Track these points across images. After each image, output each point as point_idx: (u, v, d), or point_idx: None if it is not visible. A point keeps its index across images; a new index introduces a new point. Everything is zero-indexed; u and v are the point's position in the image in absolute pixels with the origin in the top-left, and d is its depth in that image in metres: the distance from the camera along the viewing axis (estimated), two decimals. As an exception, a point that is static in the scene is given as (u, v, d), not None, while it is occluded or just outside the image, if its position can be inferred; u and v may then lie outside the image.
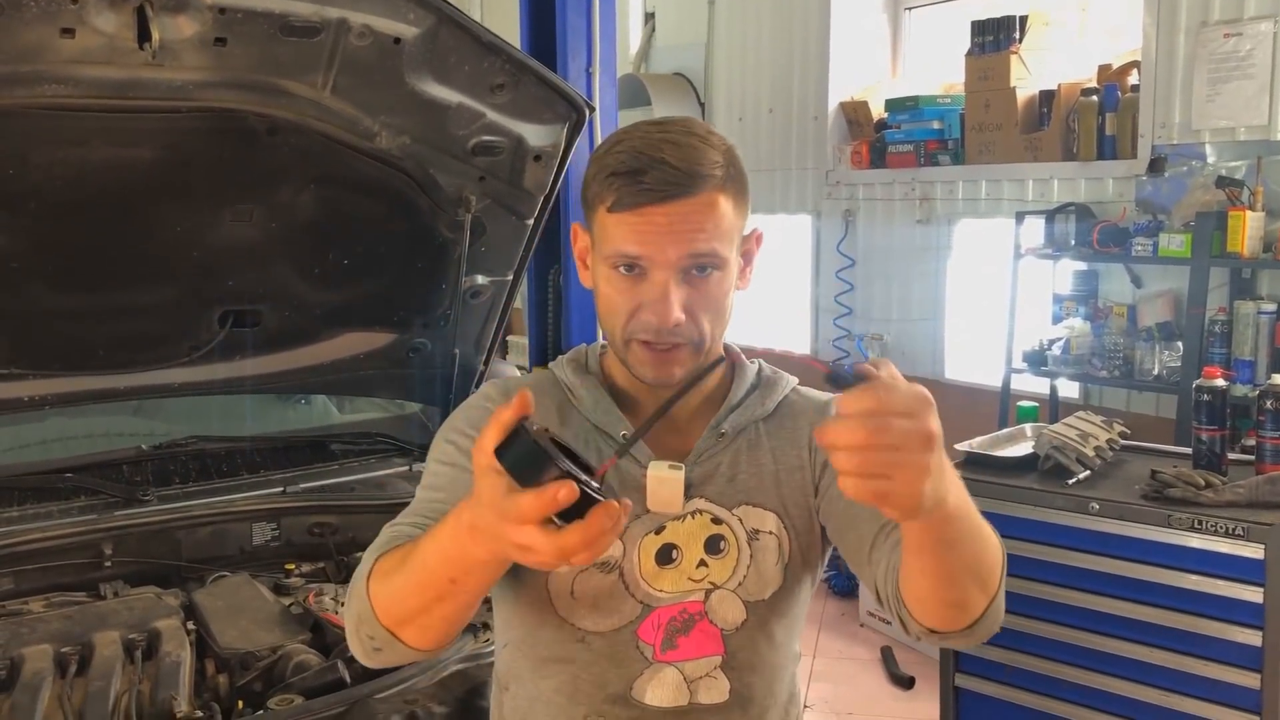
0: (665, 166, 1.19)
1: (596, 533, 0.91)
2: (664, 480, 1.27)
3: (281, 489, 2.69)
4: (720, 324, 1.28)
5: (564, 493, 0.90)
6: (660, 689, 1.29)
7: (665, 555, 1.29)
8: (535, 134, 2.42)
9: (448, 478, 1.29)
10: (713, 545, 1.30)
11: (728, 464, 1.32)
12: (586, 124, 2.49)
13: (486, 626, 2.08)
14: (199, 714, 1.89)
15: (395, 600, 1.12)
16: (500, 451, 0.93)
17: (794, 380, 1.42)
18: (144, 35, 1.93)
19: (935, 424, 0.90)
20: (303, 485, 2.72)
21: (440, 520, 1.07)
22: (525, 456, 0.92)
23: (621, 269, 1.23)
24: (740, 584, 1.30)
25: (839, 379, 0.94)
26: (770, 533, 1.31)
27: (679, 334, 1.23)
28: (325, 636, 2.15)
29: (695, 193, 1.20)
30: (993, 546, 1.09)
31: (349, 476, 2.82)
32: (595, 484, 0.94)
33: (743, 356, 1.41)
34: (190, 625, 2.15)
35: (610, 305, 1.26)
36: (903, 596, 1.14)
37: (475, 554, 1.02)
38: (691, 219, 1.20)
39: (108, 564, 2.39)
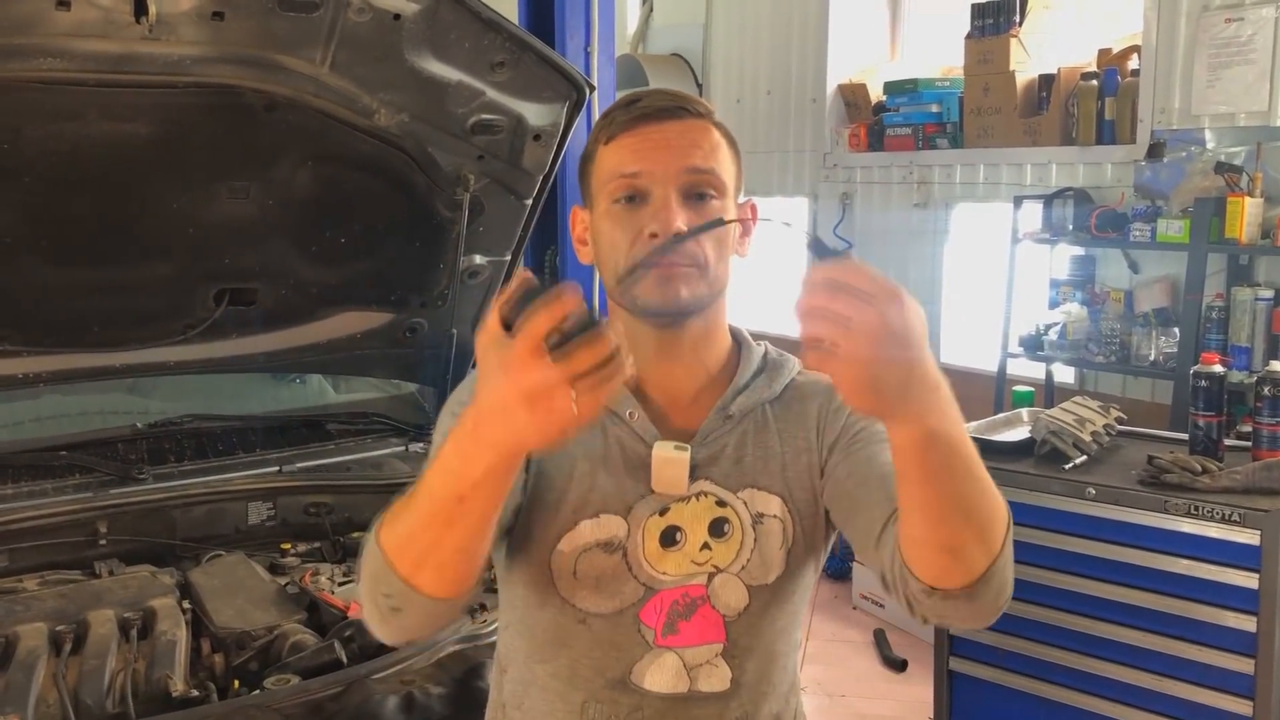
0: (659, 94, 1.26)
1: (604, 351, 0.90)
2: (669, 460, 1.27)
3: (277, 468, 2.68)
4: (723, 261, 1.27)
5: (569, 297, 0.89)
6: (660, 674, 1.28)
7: (669, 537, 1.27)
8: (535, 113, 2.40)
9: None
10: (717, 528, 1.28)
11: (734, 446, 1.31)
12: (586, 104, 2.47)
13: (484, 608, 2.07)
14: (194, 693, 1.89)
15: (407, 540, 1.08)
16: (508, 305, 0.92)
17: (800, 363, 1.41)
18: (140, 9, 1.91)
19: (897, 318, 0.89)
20: (299, 465, 2.71)
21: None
22: (536, 294, 0.91)
23: (621, 200, 1.24)
24: (744, 568, 1.28)
25: (818, 250, 0.97)
26: (775, 517, 1.29)
27: (683, 252, 1.22)
28: (321, 616, 2.14)
29: (690, 116, 1.25)
30: (992, 495, 1.05)
31: (345, 456, 2.81)
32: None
33: (749, 338, 1.40)
34: (186, 604, 2.14)
35: (612, 241, 1.25)
36: (901, 546, 1.10)
37: (481, 459, 0.98)
38: (688, 135, 1.24)
39: (103, 542, 2.38)
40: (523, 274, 0.96)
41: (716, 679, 1.29)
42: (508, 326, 0.93)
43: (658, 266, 1.22)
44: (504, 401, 0.93)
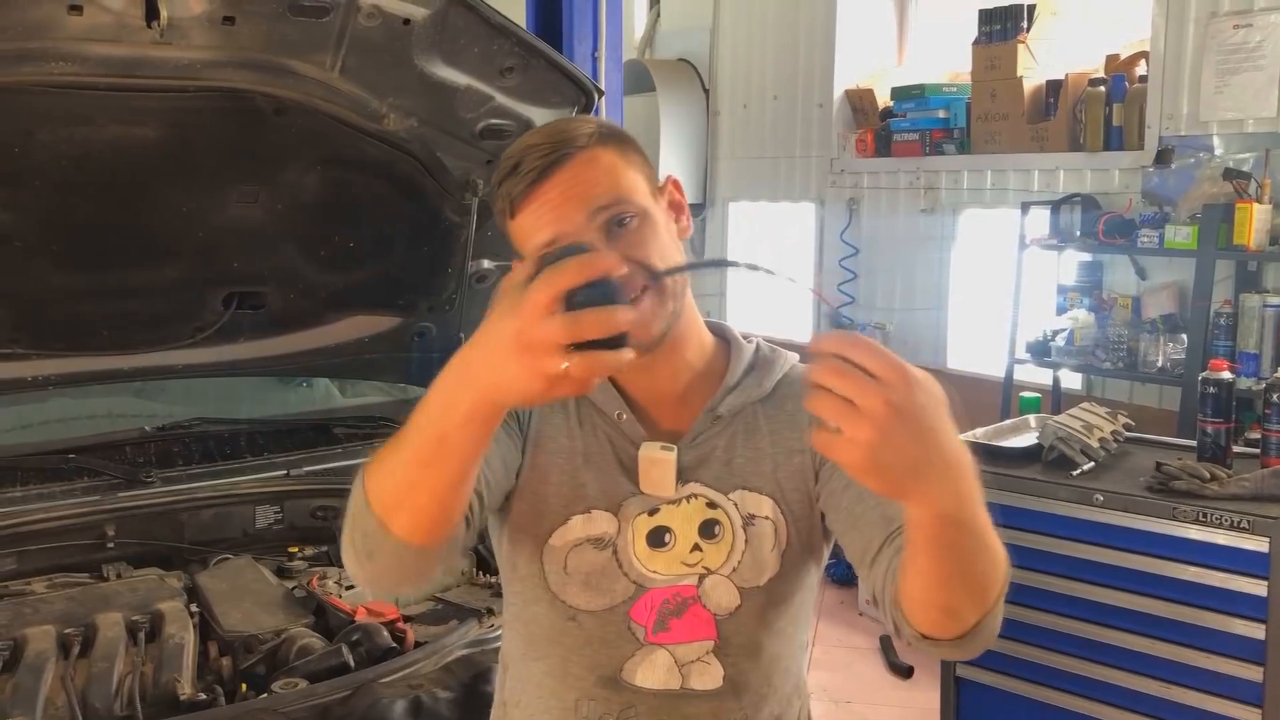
0: (535, 148, 1.22)
1: (613, 328, 0.89)
2: (655, 461, 1.27)
3: (285, 472, 2.68)
4: (671, 266, 1.24)
5: (610, 261, 0.90)
6: (651, 671, 1.28)
7: (658, 539, 1.28)
8: (544, 118, 2.39)
9: None
10: (707, 530, 1.28)
11: (724, 447, 1.30)
12: (595, 108, 2.48)
13: (492, 612, 2.08)
14: (202, 696, 1.89)
15: (387, 478, 1.09)
16: (547, 256, 0.92)
17: (793, 357, 1.39)
18: (152, 13, 1.91)
19: (906, 403, 0.87)
20: (306, 468, 2.71)
21: None
22: (573, 249, 0.92)
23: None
24: (735, 570, 1.28)
25: (836, 322, 0.95)
26: (766, 518, 1.29)
27: (631, 288, 1.19)
28: (329, 620, 2.14)
29: (571, 156, 1.21)
30: (997, 564, 1.06)
31: (353, 460, 2.80)
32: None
33: (739, 336, 1.39)
34: (193, 607, 2.15)
35: None
36: (899, 596, 1.11)
37: (464, 399, 0.98)
38: (579, 179, 1.20)
39: (110, 545, 2.38)
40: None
41: (709, 677, 1.29)
42: None
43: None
44: (498, 342, 0.92)
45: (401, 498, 1.08)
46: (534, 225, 1.20)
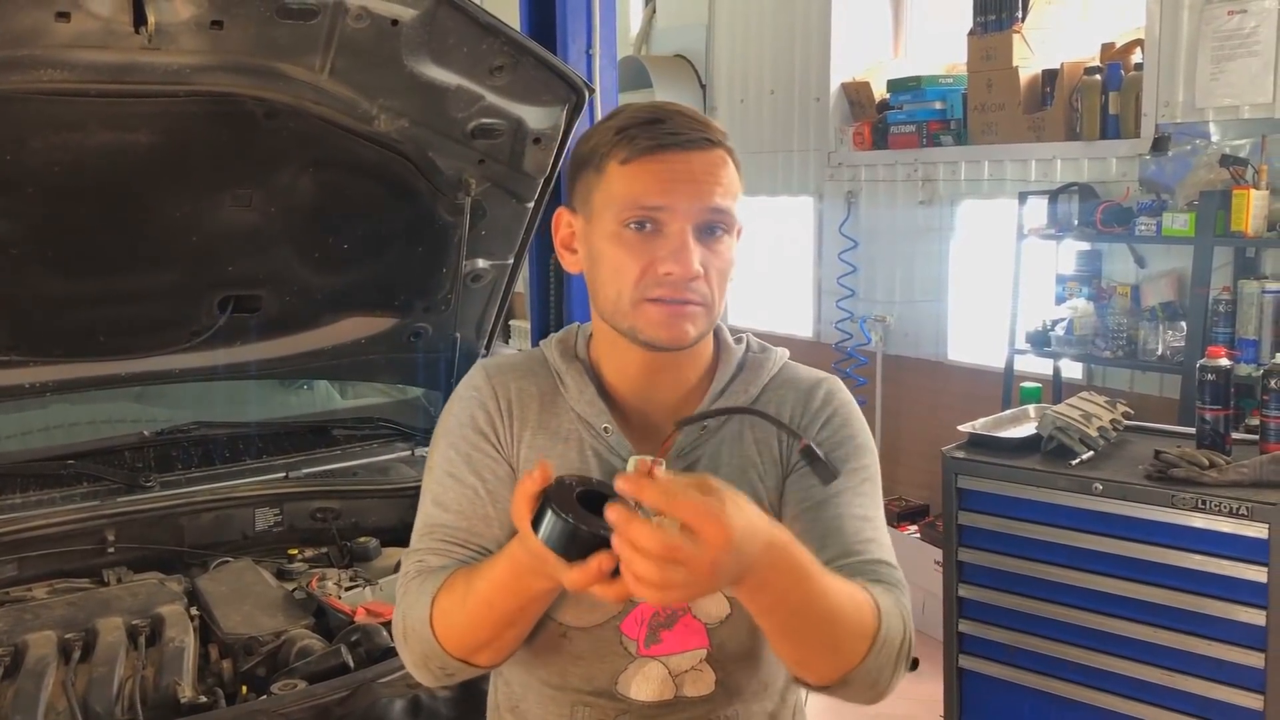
0: (681, 116, 1.21)
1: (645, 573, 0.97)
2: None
3: (284, 474, 2.69)
4: (724, 296, 1.25)
5: (606, 563, 0.98)
6: (645, 683, 1.28)
7: None
8: (535, 116, 2.40)
9: (456, 496, 1.28)
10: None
11: (709, 457, 1.29)
12: (586, 106, 2.47)
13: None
14: (203, 699, 1.90)
15: (465, 636, 1.19)
16: (536, 527, 1.01)
17: (784, 355, 1.38)
18: (140, 19, 1.92)
19: (716, 555, 0.95)
20: (305, 470, 2.73)
21: (489, 560, 1.17)
22: (559, 535, 1.01)
23: (633, 226, 1.19)
24: None
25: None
26: None
27: (695, 290, 1.20)
28: (328, 621, 2.15)
29: (714, 146, 1.22)
30: (836, 625, 1.10)
31: (351, 461, 2.82)
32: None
33: (729, 336, 1.37)
34: (194, 611, 2.16)
35: (618, 266, 1.21)
36: None
37: (539, 585, 1.10)
38: (713, 171, 1.20)
39: (111, 550, 2.39)
40: (543, 468, 1.04)
41: (702, 684, 1.29)
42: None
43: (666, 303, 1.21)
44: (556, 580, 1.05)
45: (483, 646, 1.20)
46: (649, 186, 1.19)
